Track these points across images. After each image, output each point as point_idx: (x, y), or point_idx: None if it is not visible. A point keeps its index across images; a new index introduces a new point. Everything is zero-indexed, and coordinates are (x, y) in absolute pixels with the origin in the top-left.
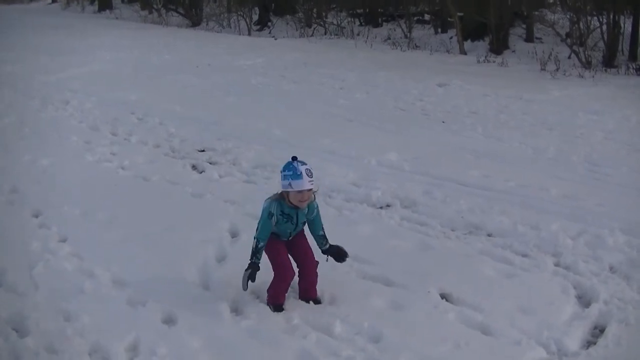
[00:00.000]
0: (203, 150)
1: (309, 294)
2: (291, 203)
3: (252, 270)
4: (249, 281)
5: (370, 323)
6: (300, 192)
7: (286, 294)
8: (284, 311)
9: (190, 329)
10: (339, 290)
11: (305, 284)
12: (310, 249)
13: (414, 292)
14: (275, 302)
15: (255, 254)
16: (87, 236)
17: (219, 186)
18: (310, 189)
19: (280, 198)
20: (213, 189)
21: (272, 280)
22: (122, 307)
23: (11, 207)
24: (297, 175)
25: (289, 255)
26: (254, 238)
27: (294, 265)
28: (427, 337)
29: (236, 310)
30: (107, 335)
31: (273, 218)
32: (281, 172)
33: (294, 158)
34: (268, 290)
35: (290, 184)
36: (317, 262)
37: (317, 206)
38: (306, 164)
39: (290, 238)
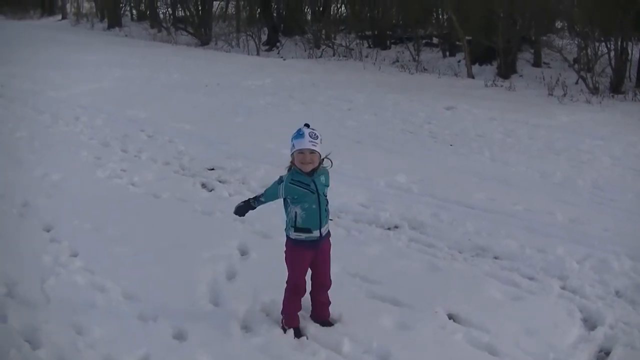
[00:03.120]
0: (212, 169)
1: (320, 316)
2: (300, 170)
3: (245, 204)
4: (237, 212)
5: (378, 342)
6: (301, 151)
7: (299, 316)
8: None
9: (201, 344)
10: (347, 309)
11: (316, 303)
12: (329, 272)
13: (421, 312)
14: (291, 325)
15: (254, 198)
16: (97, 251)
17: (228, 204)
18: (313, 151)
19: (291, 168)
20: (223, 207)
21: (284, 298)
22: (133, 321)
23: (23, 221)
24: (300, 135)
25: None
26: None
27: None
28: (434, 357)
29: (246, 327)
30: (118, 349)
31: (282, 185)
32: None
33: (307, 125)
34: (282, 312)
35: (293, 145)
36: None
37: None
38: (314, 130)
39: (321, 231)
